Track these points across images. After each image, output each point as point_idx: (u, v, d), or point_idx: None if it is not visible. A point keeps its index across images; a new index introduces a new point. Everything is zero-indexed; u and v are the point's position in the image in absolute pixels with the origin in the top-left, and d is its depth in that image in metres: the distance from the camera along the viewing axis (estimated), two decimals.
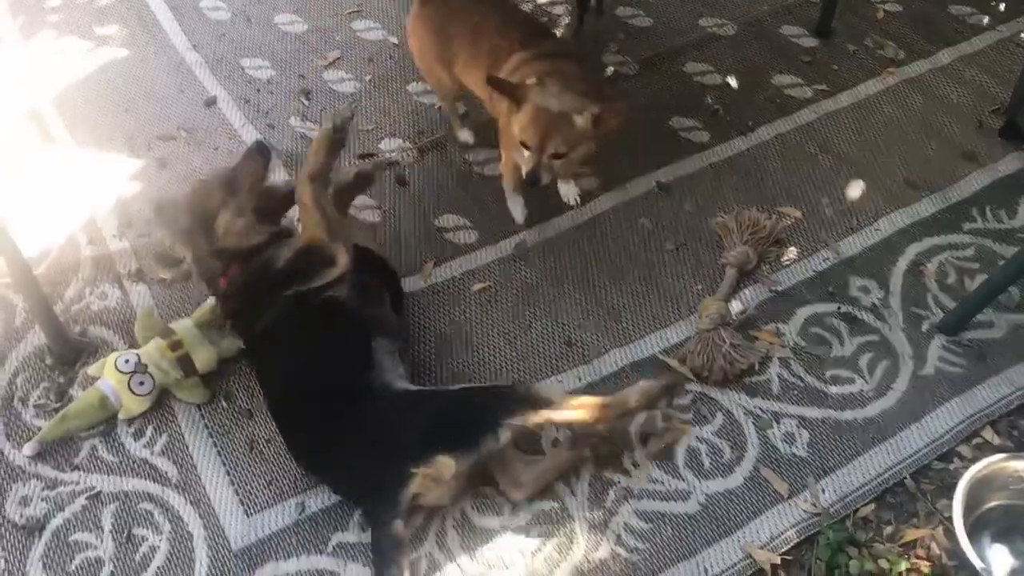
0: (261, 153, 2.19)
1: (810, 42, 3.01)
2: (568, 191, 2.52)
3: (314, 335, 2.01)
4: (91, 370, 2.13)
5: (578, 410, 1.94)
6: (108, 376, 2.07)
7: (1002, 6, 3.11)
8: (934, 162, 2.64)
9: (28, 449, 2.04)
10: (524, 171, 2.16)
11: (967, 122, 2.74)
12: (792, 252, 2.43)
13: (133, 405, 2.07)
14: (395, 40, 3.02)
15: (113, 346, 2.24)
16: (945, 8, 3.11)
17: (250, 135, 2.70)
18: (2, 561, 1.91)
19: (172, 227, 2.13)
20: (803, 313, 2.31)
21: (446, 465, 1.83)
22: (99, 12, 3.15)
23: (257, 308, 2.03)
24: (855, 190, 2.57)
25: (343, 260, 2.02)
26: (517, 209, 2.47)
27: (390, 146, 2.71)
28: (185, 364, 2.10)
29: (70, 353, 2.21)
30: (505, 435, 1.86)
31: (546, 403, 1.90)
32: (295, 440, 1.99)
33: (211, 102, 2.82)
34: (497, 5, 2.45)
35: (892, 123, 2.75)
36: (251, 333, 2.07)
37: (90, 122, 2.77)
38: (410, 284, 2.37)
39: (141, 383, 2.06)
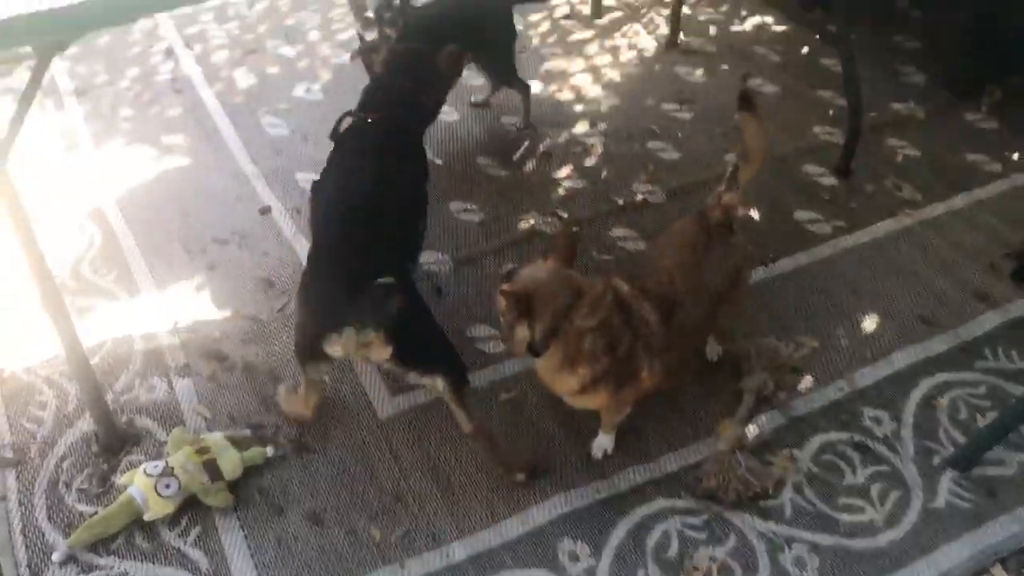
0: None
1: (830, 181, 3.17)
2: (599, 443, 2.35)
3: None
4: (123, 479, 2.23)
5: None
6: (137, 481, 2.17)
7: (1015, 155, 3.27)
8: (948, 300, 2.75)
9: (56, 556, 2.11)
10: None
11: (981, 263, 2.86)
12: (808, 380, 2.53)
13: (158, 507, 2.16)
14: (439, 161, 3.22)
15: (156, 437, 2.36)
16: (961, 155, 3.28)
17: (300, 243, 2.88)
18: None
19: None
20: (817, 440, 2.38)
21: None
22: (168, 123, 3.40)
23: None
24: (870, 323, 2.68)
25: None
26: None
27: (429, 259, 2.86)
28: (211, 468, 2.20)
29: (116, 442, 2.33)
30: None
31: None
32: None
33: (265, 211, 3.01)
34: (676, 253, 2.24)
35: (908, 261, 2.87)
36: None
37: (150, 222, 2.97)
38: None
39: (167, 486, 2.16)
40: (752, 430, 2.39)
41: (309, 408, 2.37)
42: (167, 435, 2.34)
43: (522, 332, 1.99)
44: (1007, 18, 3.40)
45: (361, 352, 2.08)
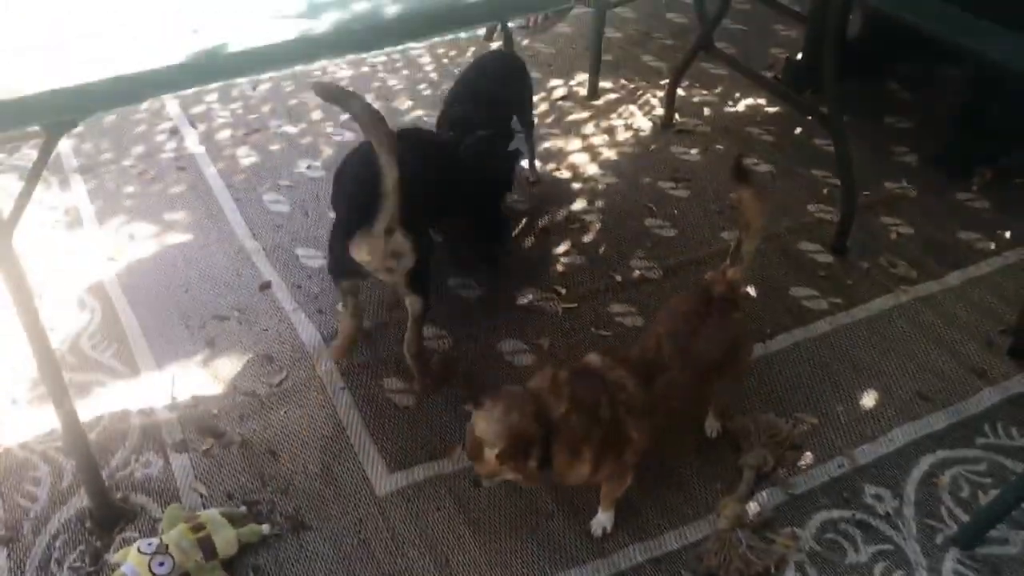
0: None
1: (826, 258, 3.20)
2: (598, 521, 2.32)
3: None
4: (116, 557, 2.19)
5: None
6: (131, 559, 2.13)
7: (1008, 233, 3.31)
8: (946, 377, 2.76)
9: None
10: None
11: (977, 340, 2.87)
12: (808, 457, 2.51)
13: None
14: (439, 238, 3.25)
15: (151, 514, 2.33)
16: (954, 234, 3.32)
17: (299, 319, 2.89)
18: None
19: None
20: (819, 518, 2.36)
21: None
22: (170, 199, 3.45)
23: None
24: (869, 400, 2.68)
25: None
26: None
27: (428, 333, 2.86)
28: (205, 546, 2.16)
29: (110, 518, 2.30)
30: None
31: None
32: None
33: (265, 286, 3.03)
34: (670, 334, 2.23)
35: (905, 337, 2.89)
36: None
37: (151, 298, 2.99)
38: (436, 468, 2.47)
39: (161, 564, 2.12)
40: (753, 508, 2.37)
41: (351, 314, 2.71)
42: (162, 512, 2.32)
43: (532, 464, 2.03)
44: (992, 103, 3.49)
45: (388, 262, 2.34)
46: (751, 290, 3.05)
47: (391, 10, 1.94)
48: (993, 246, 3.27)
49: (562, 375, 2.10)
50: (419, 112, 4.00)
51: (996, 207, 3.46)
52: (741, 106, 4.11)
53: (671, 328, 2.24)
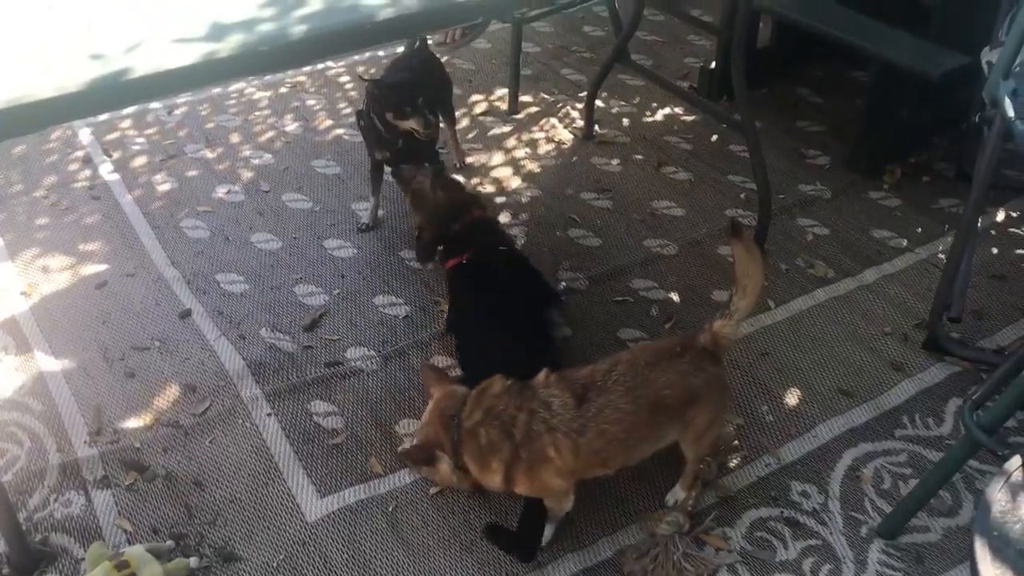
0: None
1: None
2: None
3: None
4: None
5: None
6: None
7: (919, 230, 3.42)
8: (865, 372, 2.83)
9: None
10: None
11: (894, 335, 2.95)
12: (736, 458, 2.55)
13: None
14: (356, 251, 3.24)
15: (73, 554, 2.26)
16: (868, 232, 3.41)
17: (222, 346, 2.84)
18: None
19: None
20: (748, 517, 2.40)
21: None
22: (85, 230, 3.36)
23: None
24: (792, 398, 2.73)
25: None
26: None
27: (355, 354, 2.85)
28: None
29: (28, 562, 2.22)
30: None
31: None
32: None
33: (186, 314, 2.97)
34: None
35: (824, 335, 2.95)
36: None
37: (67, 332, 2.91)
38: (368, 490, 2.44)
39: None
40: (687, 511, 2.39)
41: None
42: (84, 552, 2.25)
43: (443, 467, 2.18)
44: (899, 104, 3.61)
45: None
46: (674, 296, 3.09)
47: (298, 29, 1.93)
48: (905, 243, 3.36)
49: (495, 387, 2.16)
50: (339, 131, 3.98)
51: (907, 204, 3.57)
52: (659, 115, 4.18)
53: (634, 357, 2.20)
